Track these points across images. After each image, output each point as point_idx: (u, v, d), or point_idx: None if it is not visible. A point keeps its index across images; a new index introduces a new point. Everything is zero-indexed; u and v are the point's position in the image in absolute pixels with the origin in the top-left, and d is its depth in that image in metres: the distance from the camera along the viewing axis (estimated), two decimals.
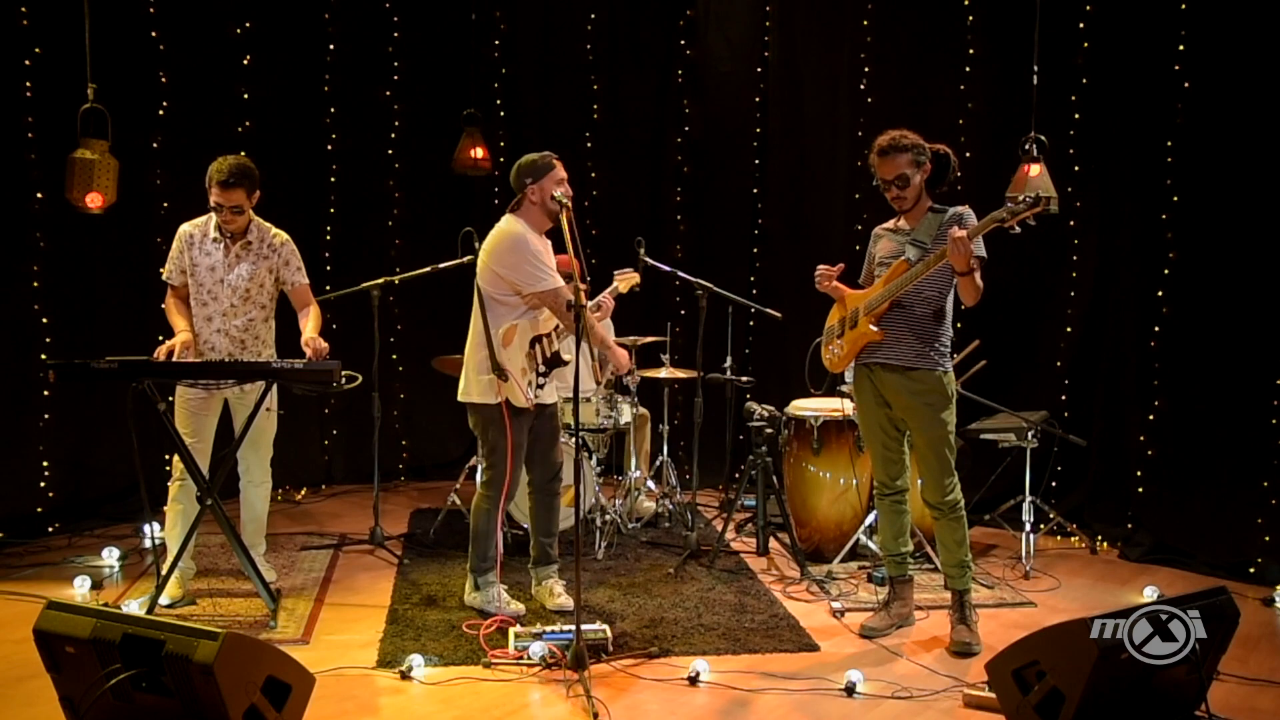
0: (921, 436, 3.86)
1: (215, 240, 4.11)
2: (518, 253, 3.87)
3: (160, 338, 5.29)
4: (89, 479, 5.36)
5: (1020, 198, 3.49)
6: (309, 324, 4.14)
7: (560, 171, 3.97)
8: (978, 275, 3.69)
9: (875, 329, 3.83)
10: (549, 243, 4.05)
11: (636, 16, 6.60)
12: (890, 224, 3.99)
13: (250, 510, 4.33)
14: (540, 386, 4.00)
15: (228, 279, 4.10)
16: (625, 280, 4.44)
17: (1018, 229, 3.53)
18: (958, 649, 3.80)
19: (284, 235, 4.23)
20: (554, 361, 4.01)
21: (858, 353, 3.95)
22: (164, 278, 4.18)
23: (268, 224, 4.21)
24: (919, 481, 4.01)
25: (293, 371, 3.77)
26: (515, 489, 4.09)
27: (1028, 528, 4.82)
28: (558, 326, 4.04)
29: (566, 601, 4.10)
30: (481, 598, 4.09)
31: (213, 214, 4.10)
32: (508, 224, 3.97)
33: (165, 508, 4.14)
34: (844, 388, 5.38)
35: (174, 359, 3.86)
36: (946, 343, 3.86)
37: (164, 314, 4.19)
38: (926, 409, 3.81)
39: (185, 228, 4.16)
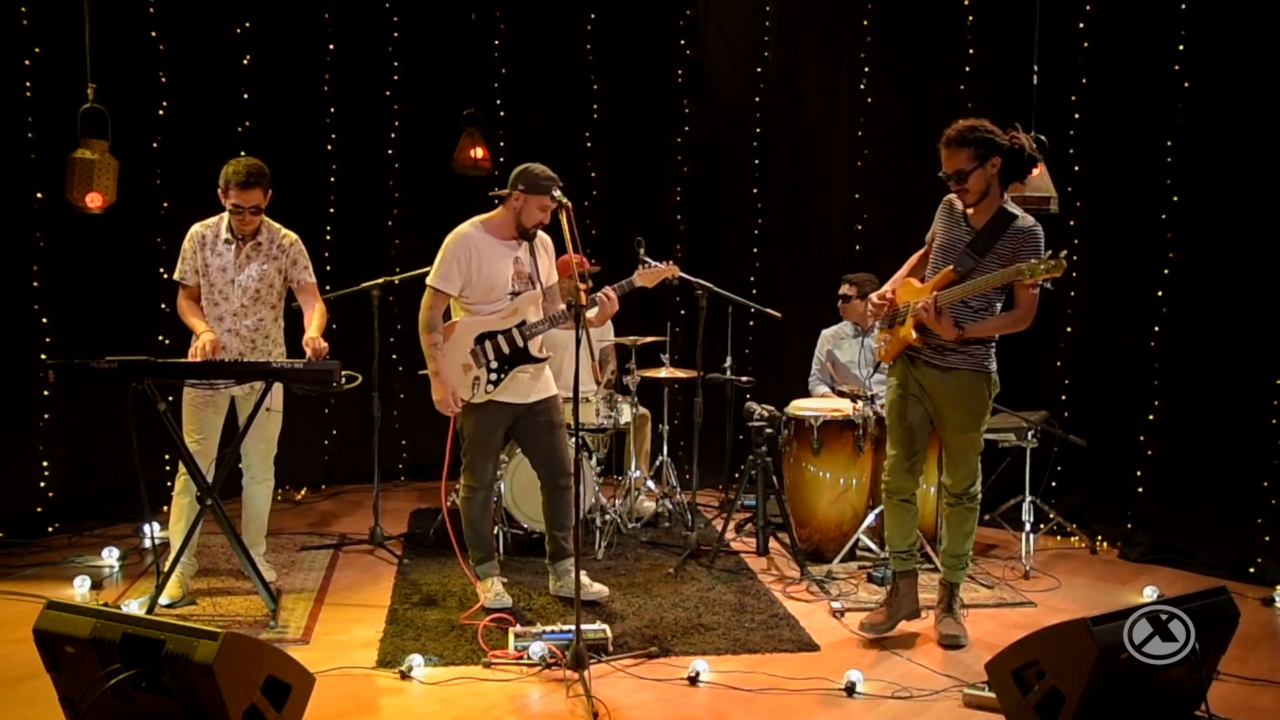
0: (955, 436, 3.82)
1: (227, 241, 4.13)
2: (444, 247, 4.05)
3: (161, 338, 5.34)
4: (89, 479, 5.35)
5: (1047, 254, 3.45)
6: (312, 324, 4.14)
7: (548, 200, 3.92)
8: (992, 325, 3.68)
9: (916, 335, 3.76)
10: (495, 246, 4.03)
11: (636, 16, 6.59)
12: (961, 205, 3.78)
13: (252, 507, 4.34)
14: (493, 383, 4.00)
15: (238, 279, 4.12)
16: (649, 275, 4.16)
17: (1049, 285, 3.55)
18: (946, 641, 3.80)
19: (293, 235, 4.25)
20: (516, 357, 3.99)
21: (900, 350, 3.89)
22: (176, 278, 4.19)
23: (277, 224, 4.23)
24: (939, 469, 3.98)
25: (293, 371, 3.78)
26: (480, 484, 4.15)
27: (1028, 528, 4.83)
28: (522, 323, 4.04)
29: (598, 590, 4.17)
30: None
31: (224, 215, 4.12)
32: (464, 224, 4.09)
33: (169, 504, 4.14)
34: (843, 388, 5.40)
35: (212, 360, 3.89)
36: (991, 344, 3.78)
37: (164, 314, 4.22)
38: (964, 410, 3.75)
39: (197, 228, 4.18)
